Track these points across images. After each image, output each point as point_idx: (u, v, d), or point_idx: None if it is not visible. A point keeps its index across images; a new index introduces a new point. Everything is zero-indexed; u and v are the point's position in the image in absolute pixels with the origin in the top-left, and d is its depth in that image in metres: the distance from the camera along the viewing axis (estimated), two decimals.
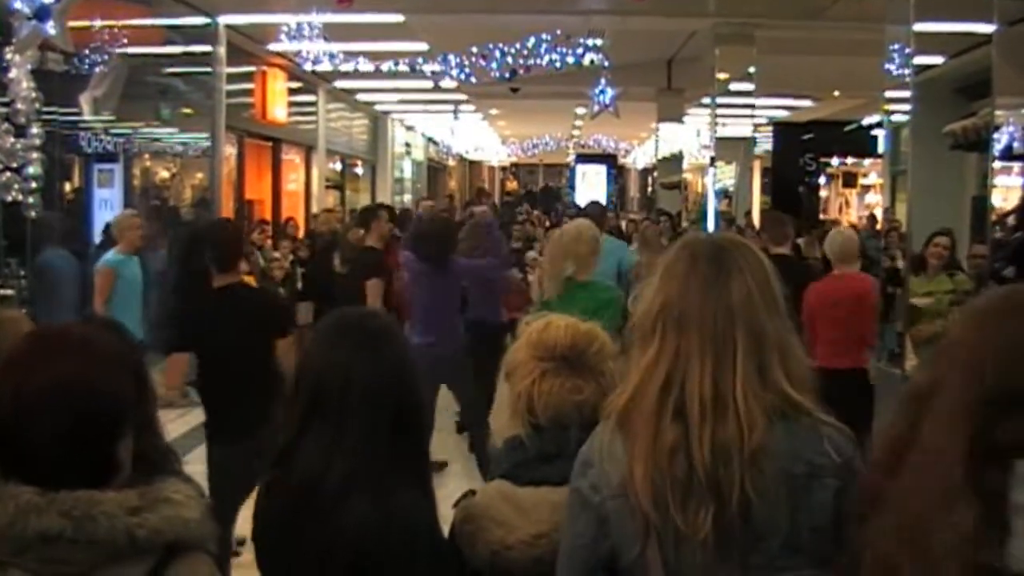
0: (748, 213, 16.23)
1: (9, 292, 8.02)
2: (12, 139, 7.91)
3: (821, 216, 19.94)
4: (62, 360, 1.76)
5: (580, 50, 13.09)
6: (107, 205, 11.84)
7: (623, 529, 2.00)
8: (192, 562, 1.78)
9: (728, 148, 14.98)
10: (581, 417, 2.47)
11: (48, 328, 2.05)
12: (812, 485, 1.97)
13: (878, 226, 16.63)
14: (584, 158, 35.04)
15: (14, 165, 7.93)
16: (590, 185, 33.15)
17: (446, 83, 14.98)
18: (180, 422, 10.03)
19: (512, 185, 45.68)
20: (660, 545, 1.96)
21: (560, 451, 2.45)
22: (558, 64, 13.28)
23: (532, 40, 13.16)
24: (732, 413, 1.96)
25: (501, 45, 13.38)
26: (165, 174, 14.37)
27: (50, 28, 7.37)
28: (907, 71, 7.24)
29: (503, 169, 47.58)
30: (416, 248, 7.62)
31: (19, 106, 7.90)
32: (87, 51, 10.30)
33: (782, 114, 20.83)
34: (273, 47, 13.97)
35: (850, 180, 24.39)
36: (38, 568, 1.68)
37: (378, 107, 23.05)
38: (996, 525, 1.31)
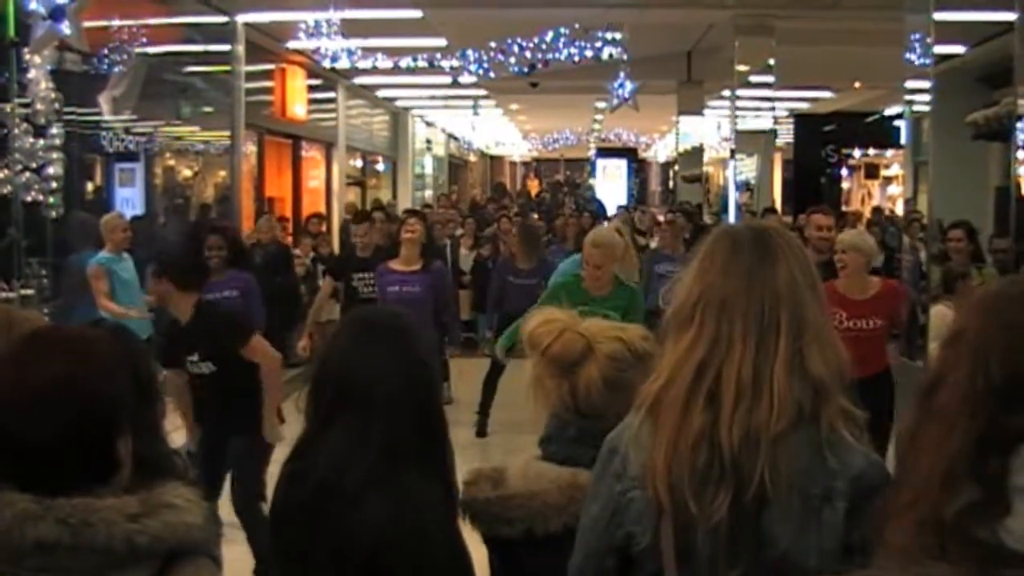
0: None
1: (30, 292, 8.05)
2: (32, 139, 7.95)
3: (843, 208, 19.81)
4: (56, 359, 1.75)
5: (599, 44, 13.07)
6: (129, 204, 11.86)
7: (640, 516, 2.01)
8: (195, 568, 1.75)
9: (749, 140, 14.90)
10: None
11: (45, 328, 2.04)
12: (824, 508, 1.95)
13: (886, 214, 16.58)
14: (604, 152, 34.95)
15: (34, 165, 7.97)
16: (611, 179, 33.01)
17: (465, 78, 14.97)
18: None
19: (533, 184, 45.29)
20: (673, 533, 1.96)
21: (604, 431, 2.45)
22: (576, 58, 13.27)
23: (551, 34, 13.15)
24: (767, 395, 1.95)
25: (520, 39, 13.38)
26: (187, 172, 14.41)
27: (65, 28, 7.40)
28: (927, 60, 7.17)
29: (524, 164, 47.43)
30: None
31: (38, 106, 7.95)
32: (106, 51, 10.31)
33: (803, 106, 20.69)
34: (292, 45, 13.98)
35: (872, 171, 24.20)
36: None
37: (398, 103, 23.05)
38: (996, 504, 1.31)
